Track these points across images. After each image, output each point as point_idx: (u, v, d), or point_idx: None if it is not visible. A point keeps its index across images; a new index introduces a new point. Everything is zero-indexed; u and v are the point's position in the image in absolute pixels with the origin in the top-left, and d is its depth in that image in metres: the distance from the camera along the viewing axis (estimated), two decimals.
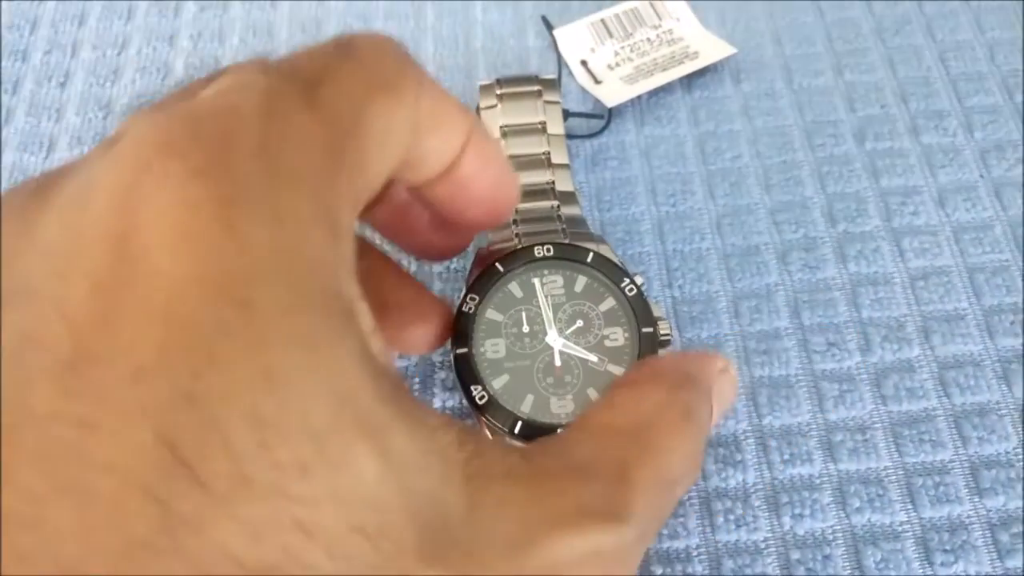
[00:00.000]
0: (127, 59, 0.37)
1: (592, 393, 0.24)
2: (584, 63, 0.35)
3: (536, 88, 0.30)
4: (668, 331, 0.25)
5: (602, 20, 0.36)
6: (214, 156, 0.14)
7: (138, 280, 0.13)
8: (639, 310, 0.25)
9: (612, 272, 0.26)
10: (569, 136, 0.33)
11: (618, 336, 0.25)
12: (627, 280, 0.26)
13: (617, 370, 0.25)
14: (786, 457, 0.27)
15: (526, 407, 0.24)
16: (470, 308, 0.25)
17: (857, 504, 0.26)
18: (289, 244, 0.14)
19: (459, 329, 0.25)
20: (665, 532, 0.25)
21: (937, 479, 0.26)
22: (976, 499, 0.26)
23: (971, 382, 0.27)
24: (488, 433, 0.24)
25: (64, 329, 0.12)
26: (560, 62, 0.35)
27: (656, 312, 0.25)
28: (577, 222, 0.27)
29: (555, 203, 0.28)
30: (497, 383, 0.25)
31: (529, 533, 0.15)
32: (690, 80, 0.35)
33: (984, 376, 0.27)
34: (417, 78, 0.18)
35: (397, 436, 0.14)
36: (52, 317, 0.12)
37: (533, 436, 0.24)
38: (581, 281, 0.26)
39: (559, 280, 0.26)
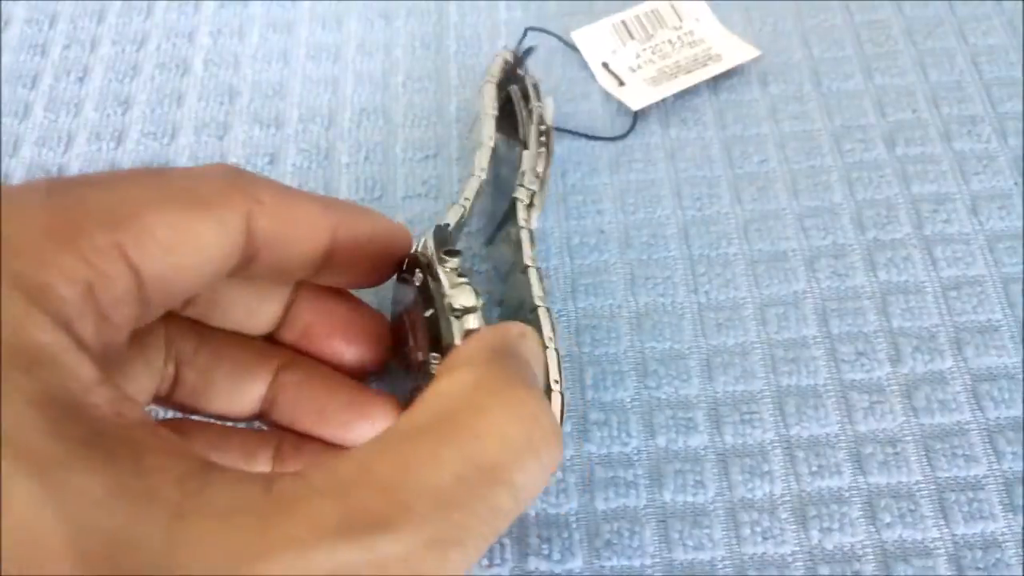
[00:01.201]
0: (146, 55, 0.36)
1: None
2: (606, 65, 0.34)
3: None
4: (465, 299, 0.22)
5: (622, 21, 0.36)
6: None
7: None
8: (424, 296, 0.23)
9: (408, 270, 0.24)
10: (592, 138, 0.33)
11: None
12: (403, 270, 0.24)
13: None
14: (814, 468, 0.26)
15: None
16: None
17: (888, 519, 0.25)
18: None
19: None
20: (691, 543, 0.25)
21: (970, 495, 0.25)
22: (1010, 516, 0.25)
23: (1005, 395, 0.27)
24: None
25: None
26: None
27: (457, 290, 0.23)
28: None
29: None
30: None
31: (237, 562, 0.14)
32: (716, 82, 0.34)
33: (1019, 390, 0.27)
34: (252, 198, 0.20)
35: (74, 473, 0.14)
36: None
37: None
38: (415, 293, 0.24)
39: (419, 298, 0.24)
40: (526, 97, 0.30)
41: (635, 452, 0.26)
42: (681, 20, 0.36)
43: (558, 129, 0.33)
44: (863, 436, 0.26)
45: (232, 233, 0.20)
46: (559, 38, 0.35)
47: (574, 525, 0.25)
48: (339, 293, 0.26)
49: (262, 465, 0.24)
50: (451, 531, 0.16)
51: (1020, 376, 0.27)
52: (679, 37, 0.35)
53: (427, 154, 0.33)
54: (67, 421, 0.15)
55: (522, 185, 0.28)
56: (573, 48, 0.35)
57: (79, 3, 0.38)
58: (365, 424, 0.24)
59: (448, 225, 0.25)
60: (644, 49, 0.35)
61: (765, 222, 0.31)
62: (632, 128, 0.33)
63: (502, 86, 0.30)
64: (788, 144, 0.32)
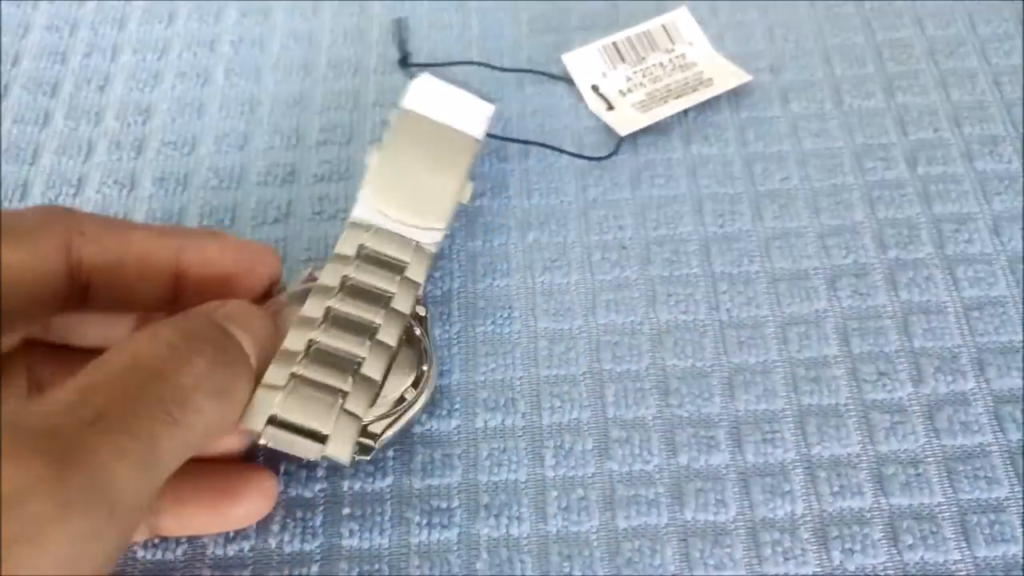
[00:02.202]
0: (167, 64, 0.36)
1: None
2: (595, 88, 0.34)
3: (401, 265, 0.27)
4: None
5: (614, 43, 0.35)
6: None
7: None
8: None
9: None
10: (577, 156, 0.32)
11: None
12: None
13: None
14: (836, 489, 0.26)
15: None
16: None
17: (910, 541, 0.25)
18: None
19: None
20: (712, 562, 0.25)
21: (992, 517, 0.25)
22: None
23: None
24: None
25: None
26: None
27: None
28: None
29: None
30: None
31: None
32: (738, 99, 0.34)
33: None
34: (71, 229, 0.21)
35: None
36: None
37: None
38: None
39: None
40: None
41: (656, 470, 0.26)
42: (673, 43, 0.35)
43: (540, 144, 0.32)
44: (885, 456, 0.26)
45: (46, 260, 0.21)
46: (547, 75, 0.35)
47: (595, 543, 0.25)
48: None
49: None
50: (107, 411, 0.17)
51: None
52: (671, 60, 0.35)
53: None
54: None
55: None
56: (563, 79, 0.35)
57: (99, 10, 0.38)
58: (239, 507, 0.25)
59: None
60: (635, 72, 0.35)
61: (787, 240, 0.31)
62: (615, 152, 0.33)
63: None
64: (809, 162, 0.32)
